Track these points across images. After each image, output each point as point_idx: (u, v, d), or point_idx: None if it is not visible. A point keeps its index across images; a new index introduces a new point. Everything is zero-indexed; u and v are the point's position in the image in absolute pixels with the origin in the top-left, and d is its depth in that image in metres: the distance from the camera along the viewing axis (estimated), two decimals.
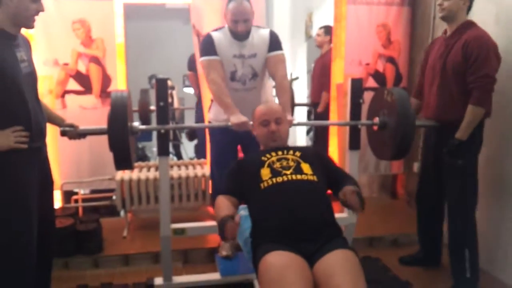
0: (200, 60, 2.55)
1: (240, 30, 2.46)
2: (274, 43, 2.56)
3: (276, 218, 1.75)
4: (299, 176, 1.85)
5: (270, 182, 1.84)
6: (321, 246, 1.68)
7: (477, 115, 2.38)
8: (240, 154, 2.84)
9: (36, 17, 1.99)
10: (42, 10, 2.01)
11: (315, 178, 1.87)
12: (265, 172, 1.88)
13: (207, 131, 3.06)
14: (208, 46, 2.50)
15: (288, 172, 1.86)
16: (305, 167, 1.90)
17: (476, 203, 2.57)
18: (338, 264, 1.59)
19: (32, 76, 2.04)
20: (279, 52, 2.57)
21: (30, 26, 2.00)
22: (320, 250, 1.66)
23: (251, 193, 1.89)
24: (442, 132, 2.59)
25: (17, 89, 1.90)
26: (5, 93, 1.87)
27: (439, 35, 3.44)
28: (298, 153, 1.97)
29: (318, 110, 4.40)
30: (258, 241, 1.76)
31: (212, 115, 2.74)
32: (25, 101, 1.94)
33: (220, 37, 2.51)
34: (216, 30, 2.58)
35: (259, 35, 2.55)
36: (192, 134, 5.58)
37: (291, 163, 1.91)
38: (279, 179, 1.84)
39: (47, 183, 2.22)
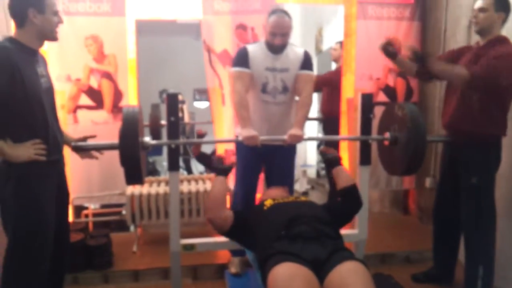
0: (230, 71, 2.62)
1: (277, 43, 2.52)
2: (307, 62, 2.63)
3: (280, 226, 1.89)
4: (298, 199, 2.21)
5: (272, 203, 2.14)
6: (330, 256, 1.72)
7: (452, 71, 2.40)
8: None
9: (58, 29, 2.10)
10: (62, 22, 2.12)
11: (312, 201, 2.23)
12: (268, 202, 2.16)
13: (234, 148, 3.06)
14: (241, 58, 2.57)
15: (288, 199, 2.20)
16: (304, 198, 2.28)
17: (494, 222, 2.53)
18: (351, 275, 1.62)
19: (50, 91, 2.14)
20: (310, 72, 2.64)
21: (55, 38, 2.12)
22: (331, 260, 1.70)
23: (256, 220, 2.08)
24: (457, 145, 2.57)
25: (38, 103, 1.99)
26: (26, 107, 1.95)
27: (450, 49, 3.46)
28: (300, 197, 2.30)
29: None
30: (266, 257, 1.77)
31: (239, 130, 2.70)
32: (44, 115, 2.02)
33: (255, 50, 2.59)
34: (252, 43, 2.68)
35: (294, 52, 2.62)
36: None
37: (291, 198, 2.24)
38: (280, 201, 2.15)
39: (64, 196, 2.27)
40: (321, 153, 2.41)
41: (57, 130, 2.15)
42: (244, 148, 2.61)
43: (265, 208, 2.13)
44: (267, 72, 2.57)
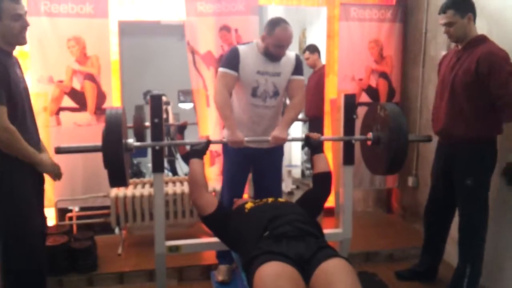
0: (218, 69, 2.58)
1: (282, 54, 2.51)
2: (299, 67, 2.63)
3: (262, 226, 1.92)
4: (277, 200, 2.23)
5: (252, 205, 2.17)
6: (314, 254, 1.74)
7: None
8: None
9: (25, 33, 2.12)
10: (27, 25, 2.12)
11: (290, 201, 2.29)
12: (248, 205, 2.19)
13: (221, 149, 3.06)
14: (231, 59, 2.53)
15: (267, 200, 2.23)
16: (281, 199, 2.30)
17: (486, 223, 2.55)
18: (337, 272, 1.64)
19: (27, 91, 2.21)
20: (301, 77, 2.65)
21: (21, 42, 2.14)
22: (315, 258, 1.72)
23: (237, 222, 2.11)
24: (451, 148, 2.59)
25: (20, 102, 2.07)
26: (9, 106, 2.01)
27: (430, 50, 3.52)
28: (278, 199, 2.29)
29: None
30: (251, 258, 1.78)
31: (226, 132, 2.69)
32: (24, 114, 2.10)
33: (247, 52, 2.54)
34: (243, 44, 2.63)
35: (286, 57, 2.59)
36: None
37: (271, 200, 2.25)
38: (260, 203, 2.19)
39: (40, 193, 2.35)
40: (306, 138, 2.43)
41: (33, 130, 2.22)
42: (232, 151, 2.62)
43: (245, 211, 2.15)
44: (258, 75, 2.54)
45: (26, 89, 2.20)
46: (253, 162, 2.74)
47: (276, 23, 2.45)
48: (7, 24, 2.03)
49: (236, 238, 2.09)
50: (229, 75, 2.51)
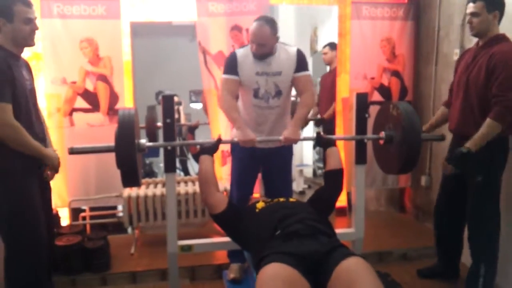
0: (221, 76, 2.59)
1: (252, 51, 2.48)
2: (302, 62, 2.58)
3: (273, 225, 1.91)
4: (288, 200, 2.23)
5: (263, 205, 2.16)
6: (330, 252, 1.72)
7: (493, 130, 2.33)
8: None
9: (34, 36, 2.20)
10: (36, 29, 2.20)
11: (301, 201, 2.29)
12: (260, 205, 2.18)
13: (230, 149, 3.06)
14: (229, 64, 2.54)
15: (279, 200, 2.22)
16: (292, 199, 2.29)
17: (498, 221, 2.53)
18: (359, 270, 1.62)
19: (33, 92, 2.28)
20: (307, 72, 2.60)
21: (30, 44, 2.22)
22: (333, 257, 1.70)
23: (248, 221, 2.10)
24: (463, 145, 2.57)
25: (24, 103, 2.13)
26: (14, 105, 2.06)
27: (443, 48, 3.49)
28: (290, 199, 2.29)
29: (323, 116, 4.41)
30: (260, 258, 1.78)
31: (235, 133, 2.65)
32: (29, 113, 2.17)
33: (245, 55, 2.53)
34: (242, 47, 2.63)
35: (286, 53, 2.55)
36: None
37: (282, 199, 2.24)
38: (272, 202, 2.19)
39: (46, 191, 2.39)
40: (317, 135, 2.42)
41: (39, 129, 2.27)
42: (240, 150, 2.61)
43: (256, 210, 2.15)
44: (258, 77, 2.52)
45: (33, 91, 2.26)
46: (262, 162, 2.73)
47: (257, 19, 2.46)
48: (18, 27, 2.10)
49: (247, 237, 2.09)
50: (230, 80, 2.51)
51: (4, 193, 2.09)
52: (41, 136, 2.28)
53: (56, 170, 2.34)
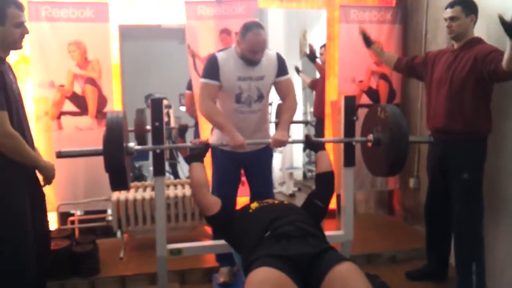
0: (199, 80, 2.56)
1: (258, 59, 2.46)
2: (283, 67, 2.60)
3: (264, 226, 1.94)
4: (282, 202, 2.26)
5: (257, 205, 2.19)
6: (320, 255, 1.74)
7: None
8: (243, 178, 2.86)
9: (23, 39, 2.16)
10: (27, 33, 2.17)
11: (294, 204, 2.26)
12: (254, 205, 2.22)
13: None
14: (210, 68, 2.50)
15: (273, 201, 2.26)
16: (287, 201, 2.31)
17: (483, 217, 2.59)
18: (352, 277, 1.64)
19: (20, 96, 2.23)
20: (288, 76, 2.63)
21: (18, 47, 2.20)
22: (324, 260, 1.72)
23: (241, 221, 2.12)
24: (448, 143, 2.62)
25: (14, 107, 2.08)
26: (9, 110, 2.03)
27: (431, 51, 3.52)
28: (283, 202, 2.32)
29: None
30: (249, 263, 1.79)
31: (215, 137, 2.66)
32: (19, 118, 2.12)
33: (226, 58, 2.50)
34: (222, 50, 2.59)
35: (267, 58, 2.55)
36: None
37: (276, 201, 2.28)
38: (265, 203, 2.20)
39: (39, 197, 2.33)
40: (306, 138, 2.45)
41: (28, 135, 2.23)
42: (220, 155, 2.63)
43: (250, 211, 2.16)
44: (240, 82, 2.50)
45: (19, 95, 2.22)
46: (243, 166, 2.74)
47: (249, 28, 2.40)
48: (9, 30, 2.06)
49: (239, 238, 2.09)
50: (211, 85, 2.48)
51: None
52: (31, 142, 2.24)
53: (49, 182, 2.29)
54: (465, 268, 2.59)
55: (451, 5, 2.58)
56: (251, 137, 2.55)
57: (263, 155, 2.73)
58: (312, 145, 2.43)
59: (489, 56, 2.39)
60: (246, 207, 2.24)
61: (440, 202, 2.82)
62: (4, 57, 2.15)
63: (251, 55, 2.44)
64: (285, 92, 2.61)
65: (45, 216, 2.40)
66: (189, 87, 4.63)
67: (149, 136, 2.44)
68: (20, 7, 2.09)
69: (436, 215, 2.88)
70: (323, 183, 2.32)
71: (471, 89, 2.49)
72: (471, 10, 2.55)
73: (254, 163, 2.70)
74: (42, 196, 2.35)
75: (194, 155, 2.30)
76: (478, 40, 2.57)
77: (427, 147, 2.95)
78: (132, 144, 2.20)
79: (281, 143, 2.43)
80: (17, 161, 2.05)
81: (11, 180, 2.07)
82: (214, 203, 2.18)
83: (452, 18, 2.56)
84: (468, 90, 2.50)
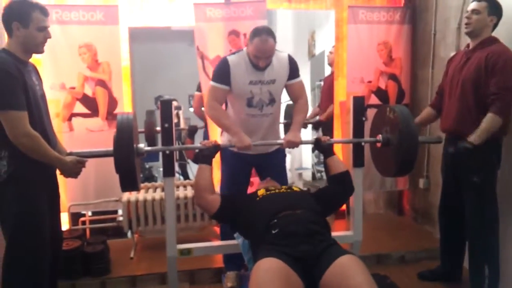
0: (210, 83, 2.55)
1: (261, 65, 2.43)
2: (294, 69, 2.58)
3: (270, 215, 1.96)
4: (290, 190, 2.26)
5: (264, 193, 2.20)
6: (324, 251, 1.78)
7: (494, 124, 2.36)
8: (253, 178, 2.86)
9: (45, 44, 2.20)
10: (49, 37, 2.21)
11: (304, 191, 2.29)
12: (261, 192, 2.22)
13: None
14: (221, 72, 2.47)
15: (281, 189, 2.26)
16: (296, 188, 2.32)
17: (496, 221, 2.55)
18: (352, 266, 1.69)
19: (44, 98, 2.27)
20: (300, 78, 2.62)
21: (39, 51, 2.22)
22: (327, 254, 1.76)
23: (248, 208, 2.13)
24: (457, 145, 2.58)
25: (36, 109, 2.11)
26: (30, 111, 2.05)
27: (440, 52, 3.51)
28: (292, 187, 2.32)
29: (321, 118, 4.42)
30: (258, 252, 1.85)
31: (225, 138, 2.64)
32: (41, 120, 2.15)
33: (237, 63, 2.47)
34: (234, 53, 2.56)
35: (279, 60, 2.52)
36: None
37: (284, 188, 2.28)
38: (273, 191, 2.21)
39: (55, 199, 2.36)
40: (316, 141, 2.44)
41: (51, 135, 2.25)
42: (230, 157, 2.63)
43: (257, 198, 2.18)
44: (252, 86, 2.47)
45: (43, 96, 2.25)
46: (255, 167, 2.74)
47: (257, 33, 2.36)
48: (31, 33, 2.10)
49: (246, 225, 2.12)
50: (219, 89, 2.47)
51: (13, 199, 2.06)
52: (54, 142, 2.26)
53: (73, 176, 2.24)
54: (477, 271, 2.57)
55: None
56: (262, 139, 2.55)
57: (277, 157, 2.72)
58: (322, 148, 2.42)
59: (492, 87, 2.37)
60: (254, 194, 2.24)
61: (453, 202, 2.79)
62: (27, 59, 2.17)
63: (255, 60, 2.41)
64: (297, 95, 2.60)
65: (58, 216, 2.43)
66: (199, 88, 4.66)
67: (159, 137, 2.47)
68: (45, 13, 2.14)
69: (450, 216, 2.85)
70: (341, 182, 2.32)
71: (482, 90, 2.44)
72: (495, 11, 2.49)
73: (269, 165, 2.69)
74: (57, 196, 2.38)
75: (204, 156, 2.31)
76: (494, 40, 2.50)
77: (439, 149, 2.92)
78: (142, 145, 2.22)
79: (294, 144, 2.43)
80: (38, 160, 2.07)
81: (32, 179, 2.10)
82: (213, 200, 2.20)
83: (474, 11, 2.50)
84: (479, 92, 2.45)
